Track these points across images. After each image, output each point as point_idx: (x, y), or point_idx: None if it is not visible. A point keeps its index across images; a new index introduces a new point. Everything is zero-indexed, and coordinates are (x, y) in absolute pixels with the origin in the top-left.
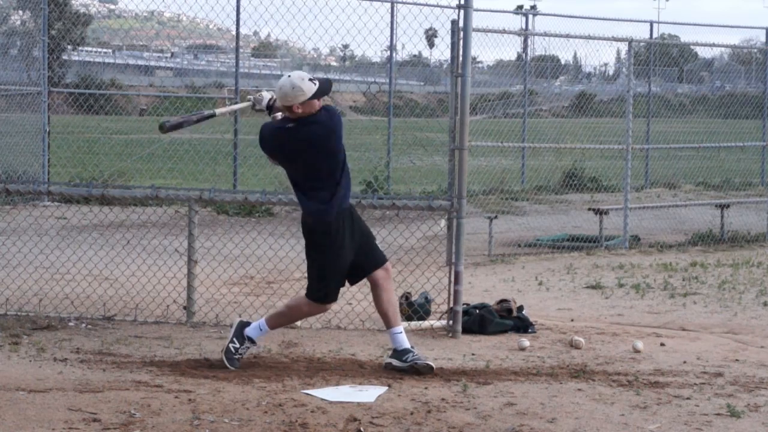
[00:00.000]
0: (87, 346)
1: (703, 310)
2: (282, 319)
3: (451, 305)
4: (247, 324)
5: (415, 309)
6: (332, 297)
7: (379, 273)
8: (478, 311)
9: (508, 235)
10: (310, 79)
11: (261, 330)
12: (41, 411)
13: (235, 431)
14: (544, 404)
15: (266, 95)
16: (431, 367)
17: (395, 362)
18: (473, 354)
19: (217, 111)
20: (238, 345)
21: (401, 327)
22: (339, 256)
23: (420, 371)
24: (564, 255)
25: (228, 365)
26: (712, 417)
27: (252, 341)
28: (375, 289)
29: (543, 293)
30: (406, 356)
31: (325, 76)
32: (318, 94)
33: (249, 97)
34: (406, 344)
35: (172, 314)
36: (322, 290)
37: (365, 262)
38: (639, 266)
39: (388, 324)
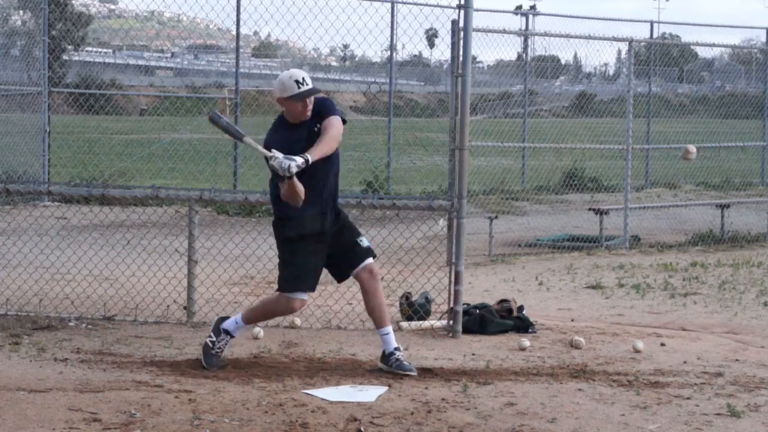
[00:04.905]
0: (87, 346)
1: (703, 310)
2: (254, 314)
3: (452, 305)
4: (225, 318)
5: (415, 309)
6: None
7: (362, 274)
8: (478, 311)
9: (508, 235)
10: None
11: (237, 323)
12: (42, 411)
13: (235, 431)
14: (544, 404)
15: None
16: (414, 373)
17: (381, 365)
18: (473, 354)
19: (245, 139)
20: (215, 338)
21: (388, 327)
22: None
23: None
24: (564, 255)
25: (204, 361)
26: (713, 417)
27: (228, 333)
28: (361, 289)
29: (543, 293)
30: (390, 360)
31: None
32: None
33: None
34: (391, 346)
35: (172, 314)
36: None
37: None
38: (639, 266)
39: (375, 324)
